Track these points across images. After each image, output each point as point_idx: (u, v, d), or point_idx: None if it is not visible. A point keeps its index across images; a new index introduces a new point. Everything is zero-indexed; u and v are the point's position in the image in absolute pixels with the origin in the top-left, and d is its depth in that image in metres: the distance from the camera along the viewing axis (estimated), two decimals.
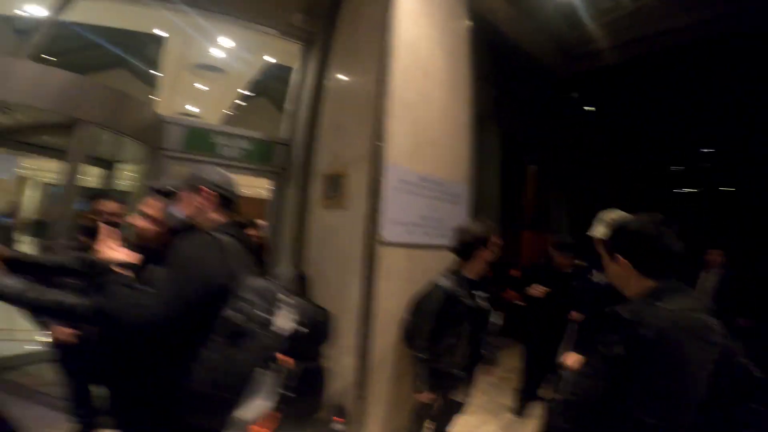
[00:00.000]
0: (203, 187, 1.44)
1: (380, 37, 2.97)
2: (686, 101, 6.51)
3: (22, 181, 12.41)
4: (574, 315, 2.78)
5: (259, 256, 2.62)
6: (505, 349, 2.89)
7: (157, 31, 7.13)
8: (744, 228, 6.22)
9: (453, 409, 2.45)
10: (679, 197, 8.05)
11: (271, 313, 1.29)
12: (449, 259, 3.09)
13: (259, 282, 1.34)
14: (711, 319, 1.13)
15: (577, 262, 3.02)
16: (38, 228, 8.48)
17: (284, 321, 1.33)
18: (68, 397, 2.18)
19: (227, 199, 1.49)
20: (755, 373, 1.15)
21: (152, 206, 1.55)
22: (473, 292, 2.29)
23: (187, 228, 1.40)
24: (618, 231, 1.37)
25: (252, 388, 1.24)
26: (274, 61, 6.89)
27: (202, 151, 3.66)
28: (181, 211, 1.44)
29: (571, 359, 1.94)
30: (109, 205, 2.15)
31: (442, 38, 3.38)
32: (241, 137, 3.90)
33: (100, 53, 10.34)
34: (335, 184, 3.12)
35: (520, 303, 3.21)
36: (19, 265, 1.46)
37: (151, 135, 3.22)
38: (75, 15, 4.42)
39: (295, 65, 4.24)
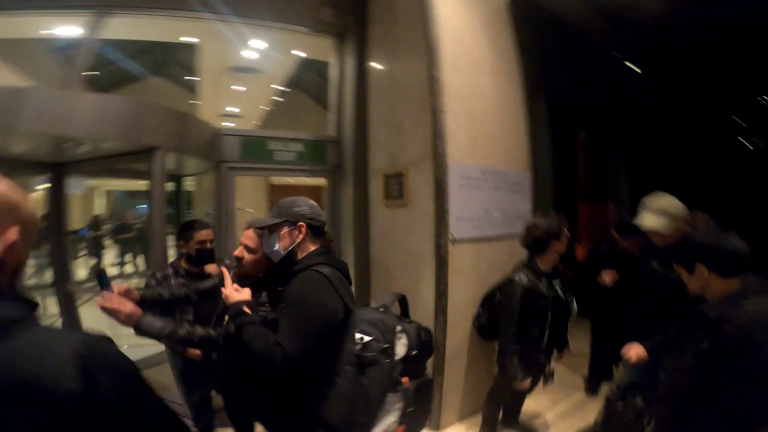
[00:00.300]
0: (296, 221, 1.53)
1: (422, 29, 2.90)
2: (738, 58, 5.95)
3: (89, 191, 13.25)
4: (606, 278, 2.83)
5: None
6: (577, 330, 2.86)
7: (190, 39, 7.24)
8: None
9: (526, 392, 2.54)
10: (743, 150, 7.44)
11: (391, 342, 1.46)
12: (515, 248, 3.09)
13: (373, 314, 1.51)
14: None
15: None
16: (121, 229, 9.29)
17: (400, 347, 1.49)
18: (189, 403, 2.35)
19: (319, 229, 1.58)
20: None
21: (251, 238, 1.70)
22: (549, 282, 2.36)
23: (286, 261, 1.52)
24: (686, 244, 1.56)
25: (382, 409, 1.42)
26: (308, 57, 6.86)
27: (258, 159, 3.73)
28: (278, 244, 1.53)
29: (634, 351, 1.95)
30: (204, 233, 2.27)
31: (484, 22, 3.25)
32: (293, 140, 3.93)
33: (139, 65, 10.71)
34: (396, 184, 3.13)
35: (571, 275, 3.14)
36: (145, 303, 1.59)
37: (213, 149, 3.32)
38: (109, 33, 4.60)
39: (330, 59, 4.22)
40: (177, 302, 1.88)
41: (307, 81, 10.27)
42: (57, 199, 3.12)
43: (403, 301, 1.83)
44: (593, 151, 7.16)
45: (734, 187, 6.16)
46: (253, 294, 1.54)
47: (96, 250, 8.61)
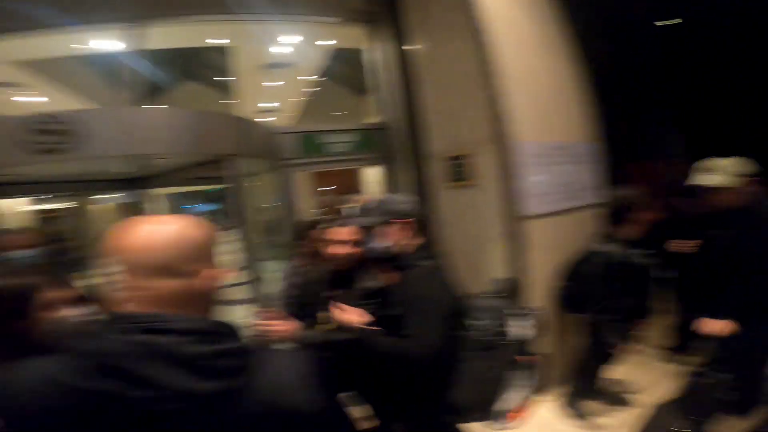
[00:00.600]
0: (399, 218, 1.55)
1: (464, 11, 2.83)
2: None
3: (147, 197, 13.81)
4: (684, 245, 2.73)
5: None
6: (661, 298, 2.78)
7: (221, 42, 7.31)
8: None
9: (612, 362, 2.54)
10: None
11: (505, 326, 1.53)
12: (589, 219, 3.04)
13: (488, 300, 1.59)
14: None
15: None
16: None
17: (519, 329, 1.55)
18: None
19: (421, 223, 1.60)
20: None
21: (344, 233, 1.78)
22: (631, 251, 2.31)
23: (391, 257, 1.56)
24: None
25: (506, 386, 1.49)
26: (340, 46, 6.81)
27: (314, 154, 3.78)
28: (382, 242, 1.55)
29: (719, 325, 1.91)
30: (317, 233, 2.34)
31: None
32: (344, 131, 3.96)
33: (171, 70, 10.94)
34: (459, 166, 3.11)
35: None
36: None
37: (273, 150, 3.37)
38: (144, 43, 4.70)
39: (365, 47, 4.17)
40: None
41: (340, 71, 10.26)
42: (137, 211, 3.26)
43: (515, 284, 1.87)
44: (641, 111, 6.80)
45: None
46: (339, 288, 1.66)
47: None
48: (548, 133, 2.96)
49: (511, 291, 1.87)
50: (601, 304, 2.29)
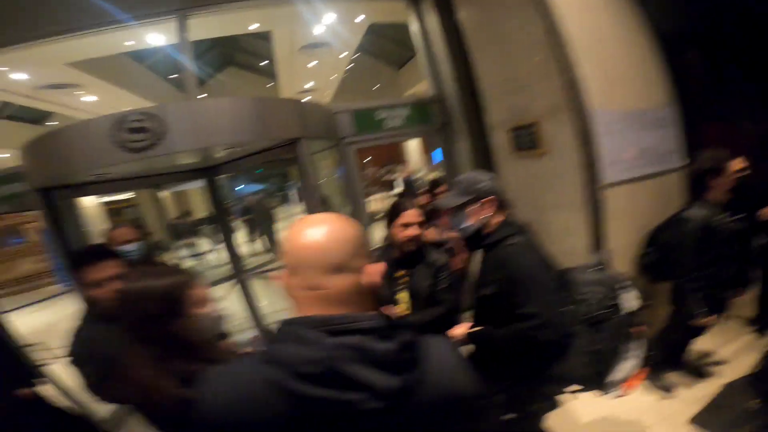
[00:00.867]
0: (483, 195, 1.53)
1: None
2: None
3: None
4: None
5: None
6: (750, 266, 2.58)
7: (261, 27, 7.29)
8: None
9: (697, 332, 2.43)
10: None
11: (615, 298, 1.49)
12: (669, 185, 2.89)
13: (593, 274, 1.55)
14: None
15: None
16: (245, 212, 9.69)
17: (629, 301, 1.51)
18: None
19: (504, 200, 1.58)
20: None
21: (410, 215, 1.85)
22: (720, 216, 2.21)
23: (477, 235, 1.57)
24: None
25: (618, 357, 1.46)
26: (381, 21, 6.64)
27: (370, 130, 3.75)
28: (468, 221, 1.55)
29: None
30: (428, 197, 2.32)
31: None
32: (398, 106, 3.89)
33: (213, 59, 11.12)
34: (526, 135, 2.99)
35: None
36: None
37: (333, 129, 3.37)
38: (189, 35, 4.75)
39: (407, 20, 4.04)
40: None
41: (377, 46, 10.08)
42: (216, 198, 3.38)
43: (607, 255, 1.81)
44: (712, 68, 6.16)
45: None
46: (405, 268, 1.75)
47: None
48: (622, 100, 2.79)
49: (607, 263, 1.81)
50: (688, 272, 2.18)
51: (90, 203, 8.12)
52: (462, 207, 1.56)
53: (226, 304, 3.07)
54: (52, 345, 2.79)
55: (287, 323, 0.72)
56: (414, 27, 3.98)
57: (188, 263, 6.80)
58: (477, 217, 1.54)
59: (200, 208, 10.48)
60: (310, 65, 8.82)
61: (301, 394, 0.64)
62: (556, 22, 2.58)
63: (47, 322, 6.00)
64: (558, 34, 2.58)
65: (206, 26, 6.49)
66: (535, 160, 2.97)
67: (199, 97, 4.60)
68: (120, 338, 1.58)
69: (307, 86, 10.24)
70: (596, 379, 1.46)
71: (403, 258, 1.92)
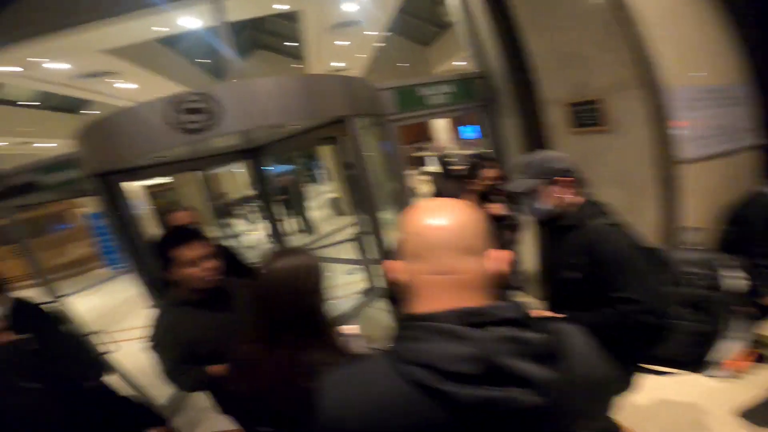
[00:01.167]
0: (556, 175, 1.44)
1: None
2: None
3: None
4: None
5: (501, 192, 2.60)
6: None
7: (291, 6, 7.12)
8: None
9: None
10: None
11: (716, 278, 1.40)
12: (746, 161, 2.70)
13: (692, 253, 1.47)
14: None
15: None
16: (281, 192, 9.91)
17: (732, 281, 1.41)
18: None
19: (580, 180, 1.47)
20: None
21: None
22: None
23: (553, 217, 1.47)
24: None
25: (722, 337, 1.37)
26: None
27: (413, 107, 3.61)
28: (544, 204, 1.46)
29: None
30: (491, 172, 2.24)
31: None
32: (441, 83, 3.72)
33: (240, 42, 11.02)
34: (588, 111, 2.81)
35: None
36: None
37: (378, 106, 3.24)
38: (216, 19, 4.64)
39: None
40: None
41: (405, 24, 9.77)
42: (260, 178, 3.33)
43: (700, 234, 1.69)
44: None
45: None
46: None
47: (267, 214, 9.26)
48: (696, 76, 2.58)
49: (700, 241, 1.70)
50: (764, 249, 2.06)
51: (133, 187, 8.29)
52: (536, 188, 1.46)
53: None
54: (111, 330, 2.82)
55: (420, 318, 0.63)
56: (453, 0, 3.77)
57: (227, 244, 6.88)
58: (553, 198, 1.45)
59: (232, 189, 10.60)
60: (339, 44, 8.61)
61: (453, 395, 0.56)
62: None
63: (101, 307, 6.17)
64: (625, 8, 2.38)
65: (237, 8, 6.38)
66: (596, 136, 2.79)
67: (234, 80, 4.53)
68: (213, 322, 1.55)
69: (337, 66, 10.03)
70: (698, 361, 1.39)
71: None
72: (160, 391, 2.96)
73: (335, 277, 4.64)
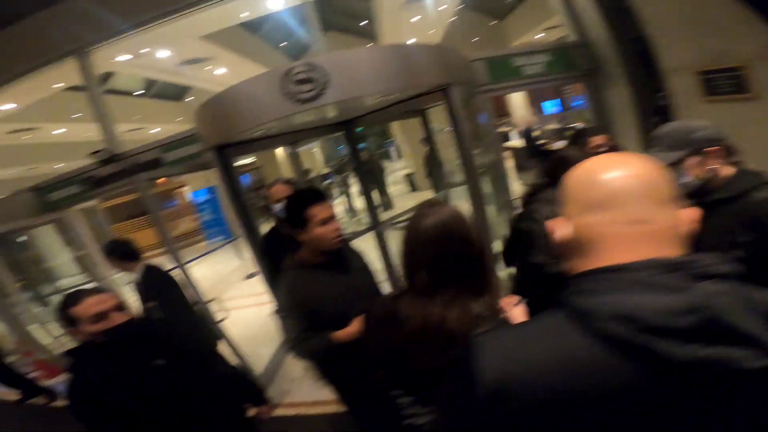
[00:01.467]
0: (705, 147, 1.28)
1: None
2: None
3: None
4: None
5: None
6: None
7: None
8: None
9: None
10: None
11: None
12: None
13: None
14: None
15: None
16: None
17: None
18: None
19: (729, 148, 1.29)
20: None
21: None
22: None
23: (700, 191, 1.30)
24: None
25: None
26: None
27: (507, 78, 3.40)
28: (690, 177, 1.31)
29: None
30: (597, 139, 2.13)
31: None
32: (537, 53, 3.46)
33: (316, 24, 11.11)
34: (726, 79, 2.56)
35: None
36: None
37: (472, 76, 3.08)
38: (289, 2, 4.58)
39: None
40: None
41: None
42: (355, 151, 3.35)
43: None
44: None
45: None
46: None
47: (345, 190, 9.57)
48: None
49: None
50: None
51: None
52: (682, 161, 1.29)
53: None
54: (222, 299, 3.00)
55: (611, 270, 0.55)
56: None
57: None
58: (700, 170, 1.29)
59: (312, 167, 10.95)
60: (413, 20, 8.36)
61: (666, 353, 0.47)
62: None
63: (209, 277, 6.67)
64: None
65: None
66: (736, 106, 2.51)
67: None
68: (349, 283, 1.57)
69: (408, 43, 9.81)
70: None
71: None
72: (257, 360, 3.15)
73: None
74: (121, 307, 1.37)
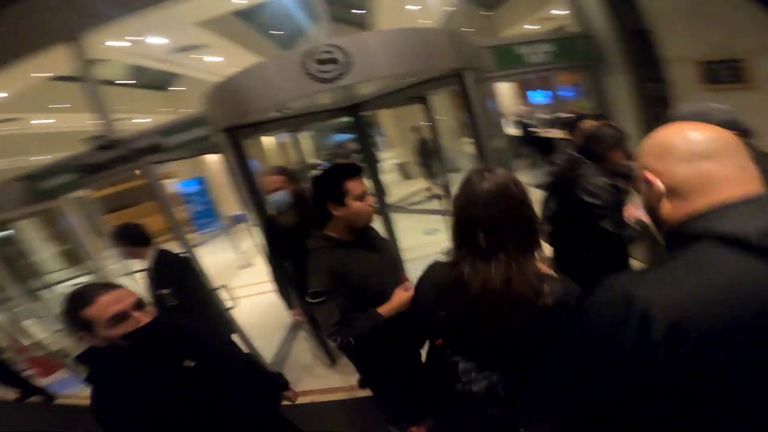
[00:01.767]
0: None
1: None
2: None
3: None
4: None
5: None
6: None
7: None
8: None
9: None
10: None
11: None
12: None
13: None
14: None
15: None
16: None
17: None
18: None
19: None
20: None
21: None
22: None
23: None
24: None
25: None
26: None
27: (512, 65, 3.43)
28: None
29: None
30: (588, 123, 2.14)
31: None
32: (540, 42, 3.48)
33: (310, 13, 10.91)
34: (726, 69, 2.64)
35: None
36: None
37: (482, 62, 3.08)
38: None
39: None
40: None
41: None
42: (362, 136, 3.33)
43: None
44: None
45: None
46: None
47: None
48: None
49: None
50: None
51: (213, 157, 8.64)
52: None
53: None
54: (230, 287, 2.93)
55: (743, 202, 0.62)
56: None
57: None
58: None
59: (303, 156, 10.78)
60: (410, 8, 8.31)
61: None
62: None
63: (206, 267, 6.54)
64: None
65: None
66: (737, 95, 2.56)
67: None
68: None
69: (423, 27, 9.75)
70: None
71: None
72: (265, 349, 3.09)
73: (414, 237, 4.62)
74: (141, 304, 1.19)
